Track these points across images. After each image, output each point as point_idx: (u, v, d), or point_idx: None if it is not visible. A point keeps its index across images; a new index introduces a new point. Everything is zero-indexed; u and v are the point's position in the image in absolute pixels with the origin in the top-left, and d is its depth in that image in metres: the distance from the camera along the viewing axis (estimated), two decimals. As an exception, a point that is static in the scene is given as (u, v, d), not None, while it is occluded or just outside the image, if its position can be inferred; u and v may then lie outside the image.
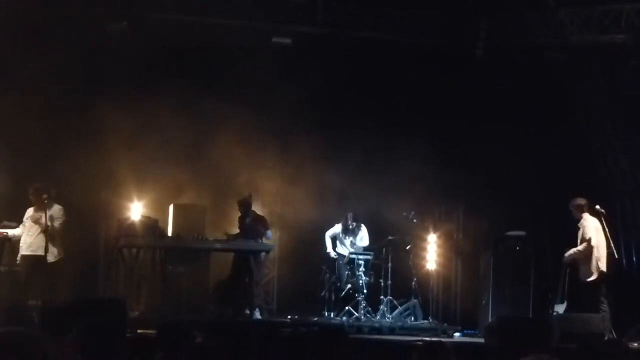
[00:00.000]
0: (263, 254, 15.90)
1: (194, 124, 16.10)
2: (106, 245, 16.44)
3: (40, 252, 13.59)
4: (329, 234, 16.72)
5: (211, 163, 16.31)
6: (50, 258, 13.66)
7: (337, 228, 16.70)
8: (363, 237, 16.66)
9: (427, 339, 11.24)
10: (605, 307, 13.97)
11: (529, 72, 16.45)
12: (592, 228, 14.27)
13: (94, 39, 15.59)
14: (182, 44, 16.13)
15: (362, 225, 16.68)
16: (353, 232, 16.62)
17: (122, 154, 15.63)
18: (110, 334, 4.96)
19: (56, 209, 13.83)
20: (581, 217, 14.33)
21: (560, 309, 14.57)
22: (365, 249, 16.58)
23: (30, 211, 13.96)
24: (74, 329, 4.87)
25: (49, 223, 13.55)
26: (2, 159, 15.12)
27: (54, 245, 13.75)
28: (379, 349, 12.06)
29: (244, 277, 15.57)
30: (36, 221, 13.73)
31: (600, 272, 14.19)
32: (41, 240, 13.60)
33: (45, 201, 13.48)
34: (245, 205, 15.93)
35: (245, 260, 15.65)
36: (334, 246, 16.75)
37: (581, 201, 14.44)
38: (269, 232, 15.97)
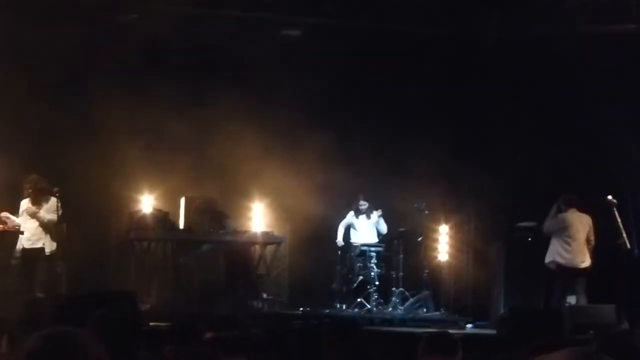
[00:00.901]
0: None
1: (205, 117, 16.08)
2: (117, 238, 16.42)
3: (39, 245, 13.71)
4: (342, 223, 16.70)
5: (222, 156, 16.27)
6: (48, 250, 13.76)
7: (350, 215, 16.66)
8: (379, 222, 16.61)
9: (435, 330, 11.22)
10: (554, 300, 14.54)
11: (538, 62, 16.40)
12: (558, 221, 14.71)
13: (103, 29, 15.61)
14: (191, 36, 16.13)
15: (375, 211, 16.62)
16: (366, 214, 16.57)
17: (133, 146, 15.62)
18: (127, 326, 4.93)
19: (52, 202, 13.86)
20: (561, 210, 14.78)
21: (572, 299, 14.59)
22: (380, 239, 16.56)
23: (25, 203, 13.98)
24: (89, 320, 4.84)
25: (47, 216, 13.69)
26: (11, 153, 15.09)
27: (50, 237, 13.83)
28: (391, 340, 12.05)
29: (240, 270, 15.62)
30: (33, 214, 13.78)
31: (555, 263, 14.69)
32: (40, 232, 13.71)
33: (57, 194, 13.55)
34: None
35: (237, 254, 15.67)
36: (348, 237, 16.72)
37: (569, 196, 14.69)
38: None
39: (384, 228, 16.64)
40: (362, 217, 16.59)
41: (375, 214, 16.56)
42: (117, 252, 16.46)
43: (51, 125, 15.54)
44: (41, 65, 14.81)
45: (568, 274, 14.73)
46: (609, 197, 14.49)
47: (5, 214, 14.13)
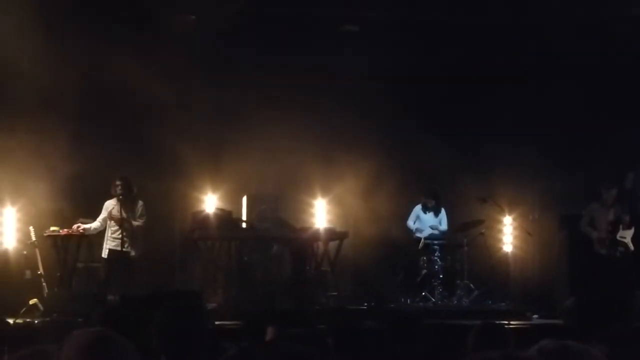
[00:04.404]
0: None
1: (266, 115, 16.10)
2: (182, 238, 16.58)
3: (124, 248, 13.89)
4: (411, 218, 16.58)
5: (284, 153, 16.31)
6: (132, 253, 13.96)
7: (417, 209, 16.56)
8: (442, 219, 16.54)
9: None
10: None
11: (594, 46, 16.31)
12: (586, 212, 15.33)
13: (164, 28, 15.81)
14: (251, 36, 16.22)
15: (442, 208, 16.56)
16: (433, 210, 16.48)
17: (195, 147, 15.73)
18: (192, 325, 4.93)
19: (139, 206, 14.08)
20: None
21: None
22: (442, 233, 16.49)
23: (110, 204, 14.14)
24: (156, 318, 4.85)
25: (135, 222, 13.90)
26: (78, 157, 15.27)
27: (136, 240, 14.02)
28: (457, 333, 11.99)
29: (305, 267, 15.65)
30: (118, 221, 13.96)
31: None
32: (125, 234, 13.88)
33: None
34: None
35: (301, 251, 15.68)
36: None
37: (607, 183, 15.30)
38: None
39: (445, 226, 16.53)
40: (430, 213, 16.49)
41: (443, 212, 16.51)
42: (182, 252, 16.63)
43: (114, 127, 15.76)
44: (109, 66, 15.01)
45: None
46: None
47: (78, 225, 14.35)
